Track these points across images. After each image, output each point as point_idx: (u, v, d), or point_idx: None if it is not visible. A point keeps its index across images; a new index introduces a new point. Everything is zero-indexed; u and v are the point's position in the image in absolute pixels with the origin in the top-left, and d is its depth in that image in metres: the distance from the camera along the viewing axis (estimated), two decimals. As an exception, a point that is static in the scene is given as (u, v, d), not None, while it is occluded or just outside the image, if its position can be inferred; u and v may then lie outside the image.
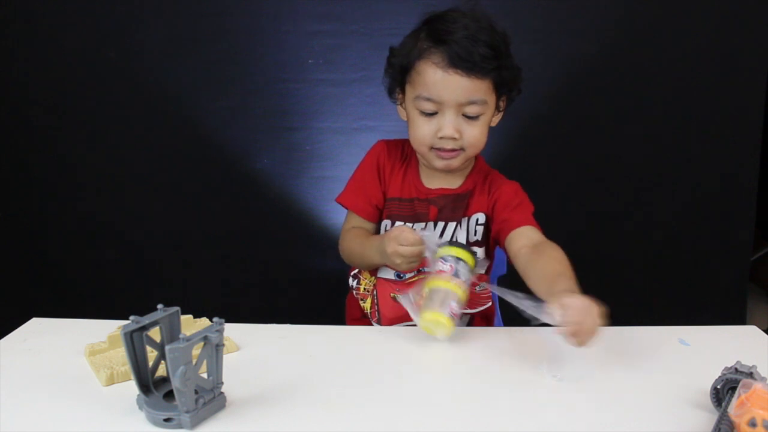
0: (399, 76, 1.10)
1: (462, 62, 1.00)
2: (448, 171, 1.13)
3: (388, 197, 1.17)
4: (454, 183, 1.17)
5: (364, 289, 1.21)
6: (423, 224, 1.15)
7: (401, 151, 1.20)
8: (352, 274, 1.26)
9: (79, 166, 1.99)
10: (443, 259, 0.96)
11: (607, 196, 2.02)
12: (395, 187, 1.17)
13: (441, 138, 1.06)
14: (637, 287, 2.08)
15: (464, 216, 1.15)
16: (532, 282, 0.96)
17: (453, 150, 1.07)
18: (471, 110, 1.04)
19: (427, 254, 0.98)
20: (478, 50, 1.00)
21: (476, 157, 1.18)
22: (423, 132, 1.07)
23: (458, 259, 0.95)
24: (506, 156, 1.93)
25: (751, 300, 2.20)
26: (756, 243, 2.17)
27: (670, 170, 2.01)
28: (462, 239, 1.15)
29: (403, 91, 1.11)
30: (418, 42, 1.06)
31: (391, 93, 1.15)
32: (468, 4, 1.05)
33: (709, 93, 1.96)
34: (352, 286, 1.25)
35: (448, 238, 1.15)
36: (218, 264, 2.05)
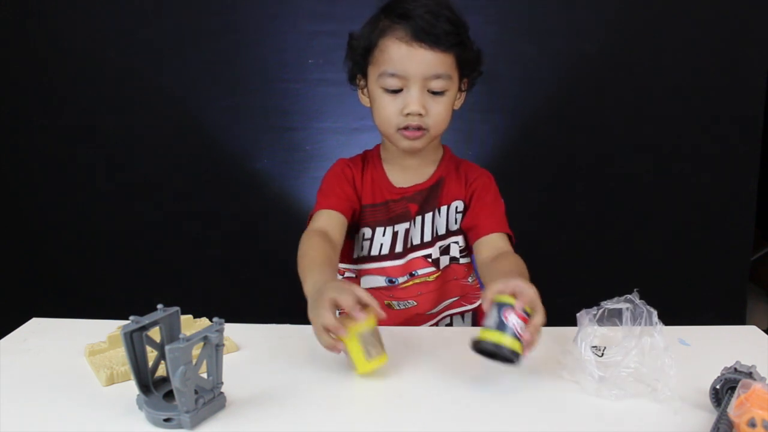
0: (360, 59, 1.08)
1: (426, 35, 1.00)
2: (412, 153, 1.11)
3: (362, 204, 1.14)
4: (424, 176, 1.15)
5: None
6: (407, 223, 1.13)
7: (362, 160, 1.18)
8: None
9: (79, 167, 2.00)
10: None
11: (607, 195, 2.02)
12: (366, 193, 1.14)
13: (407, 115, 1.03)
14: (637, 287, 2.07)
15: (439, 205, 1.14)
16: (487, 281, 0.97)
17: (418, 129, 1.05)
18: (436, 85, 1.02)
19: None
20: (441, 25, 1.00)
21: (444, 148, 1.18)
22: (388, 111, 1.05)
23: (364, 335, 0.84)
24: (506, 156, 1.94)
25: (751, 300, 2.21)
26: (756, 243, 2.17)
27: (670, 170, 2.01)
28: (441, 229, 1.14)
29: (364, 76, 1.09)
30: (380, 22, 1.05)
31: (352, 79, 1.13)
32: None
33: (709, 93, 1.96)
34: None
35: (429, 231, 1.13)
36: (218, 264, 2.05)
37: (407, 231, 1.13)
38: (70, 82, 1.94)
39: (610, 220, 2.04)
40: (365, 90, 1.11)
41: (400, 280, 1.14)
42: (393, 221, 1.13)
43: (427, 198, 1.14)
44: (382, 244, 1.14)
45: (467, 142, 1.91)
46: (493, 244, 1.08)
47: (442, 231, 1.14)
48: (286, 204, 2.00)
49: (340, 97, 1.92)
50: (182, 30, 1.90)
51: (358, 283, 1.16)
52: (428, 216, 1.14)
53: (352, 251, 1.17)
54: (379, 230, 1.14)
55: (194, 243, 2.03)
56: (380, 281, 1.15)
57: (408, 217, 1.13)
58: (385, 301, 1.15)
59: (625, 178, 2.02)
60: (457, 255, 1.16)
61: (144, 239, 2.04)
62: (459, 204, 1.14)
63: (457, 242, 1.16)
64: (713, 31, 1.92)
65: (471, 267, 1.21)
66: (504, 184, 1.20)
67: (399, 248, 1.14)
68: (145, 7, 1.89)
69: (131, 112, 1.96)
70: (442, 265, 1.15)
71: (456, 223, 1.15)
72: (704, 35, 1.92)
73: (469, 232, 1.13)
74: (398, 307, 1.15)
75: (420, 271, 1.14)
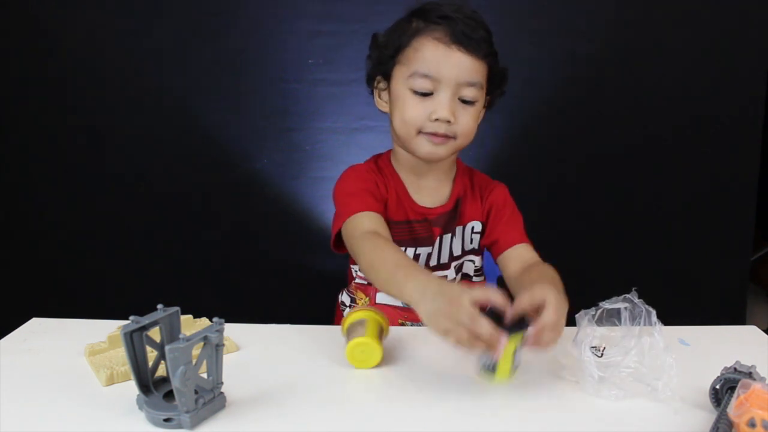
0: (387, 58, 1.02)
1: (465, 38, 0.96)
2: (429, 161, 1.05)
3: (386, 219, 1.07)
4: (443, 196, 1.11)
5: None
6: (429, 248, 1.09)
7: (377, 168, 1.10)
8: (345, 291, 1.20)
9: (79, 166, 2.00)
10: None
11: (607, 196, 2.03)
12: (391, 208, 1.08)
13: (435, 120, 0.98)
14: (637, 287, 2.07)
15: (458, 225, 1.11)
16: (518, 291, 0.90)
17: (445, 136, 1.00)
18: (468, 93, 0.99)
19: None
20: (479, 31, 0.98)
21: (456, 161, 1.14)
22: (414, 113, 0.99)
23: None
24: (506, 156, 1.94)
25: (751, 300, 2.21)
26: (756, 243, 2.17)
27: (670, 170, 2.01)
28: (457, 250, 1.11)
29: (386, 78, 1.05)
30: (412, 23, 1.01)
31: (370, 80, 1.08)
32: (458, 0, 1.02)
33: (709, 93, 1.96)
34: (342, 302, 1.20)
35: (446, 253, 1.10)
36: (218, 264, 2.05)
37: (429, 255, 1.10)
38: (70, 82, 1.94)
39: (609, 220, 2.04)
40: (383, 93, 1.07)
41: None
42: (417, 243, 1.09)
43: (449, 221, 1.11)
44: None
45: (467, 142, 1.91)
46: (520, 257, 1.06)
47: (458, 252, 1.12)
48: (286, 204, 2.00)
49: (340, 97, 1.92)
50: (182, 30, 1.90)
51: (374, 299, 1.13)
52: (446, 237, 1.11)
53: None
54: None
55: (194, 243, 2.03)
56: (395, 300, 1.11)
57: (431, 242, 1.10)
58: (399, 320, 1.12)
59: (624, 177, 2.02)
60: (471, 273, 1.15)
61: (144, 239, 2.04)
62: (476, 224, 1.12)
63: (472, 261, 1.14)
64: (713, 31, 1.92)
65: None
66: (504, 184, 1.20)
67: None
68: (145, 7, 1.89)
69: (131, 112, 1.96)
70: None
71: (471, 243, 1.13)
72: (704, 35, 1.92)
73: (491, 249, 1.11)
74: (411, 326, 1.12)
75: None
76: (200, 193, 2.01)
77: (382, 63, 1.04)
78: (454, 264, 1.12)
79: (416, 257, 1.10)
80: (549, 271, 0.99)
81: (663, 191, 2.02)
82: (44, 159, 1.99)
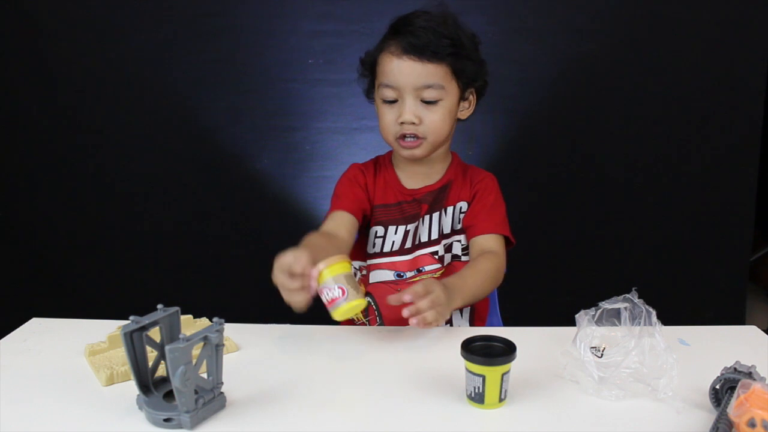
0: (369, 75, 1.16)
1: (413, 48, 1.06)
2: (414, 160, 1.16)
3: (374, 204, 1.20)
4: (433, 179, 1.20)
5: None
6: (415, 223, 1.18)
7: (374, 164, 1.24)
8: None
9: (79, 166, 2.00)
10: (327, 287, 0.87)
11: (607, 195, 2.02)
12: (379, 195, 1.20)
13: (402, 123, 1.09)
14: (637, 287, 2.07)
15: (446, 206, 1.19)
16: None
17: (415, 138, 1.10)
18: (429, 95, 1.08)
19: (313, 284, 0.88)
20: (429, 37, 1.06)
21: (452, 155, 1.23)
22: (387, 120, 1.11)
23: (338, 277, 0.87)
24: (505, 156, 1.94)
25: (750, 300, 2.21)
26: (756, 243, 2.17)
27: (669, 170, 2.01)
28: (447, 228, 1.19)
29: (374, 89, 1.16)
30: (383, 41, 1.12)
31: (368, 94, 1.20)
32: (438, 6, 1.10)
33: (709, 93, 1.96)
34: None
35: (436, 229, 1.18)
36: (218, 264, 2.05)
37: (416, 229, 1.18)
38: (70, 82, 1.94)
39: (609, 220, 2.04)
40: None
41: (408, 274, 1.18)
42: (407, 221, 1.18)
43: (436, 198, 1.19)
44: (393, 241, 1.19)
45: (467, 142, 1.91)
46: (482, 246, 1.14)
47: (447, 230, 1.19)
48: (286, 204, 2.00)
49: (340, 97, 1.92)
50: (182, 30, 1.90)
51: (368, 278, 1.21)
52: (435, 215, 1.19)
53: (364, 249, 1.22)
54: (392, 228, 1.19)
55: (194, 243, 2.03)
56: (389, 275, 1.19)
57: (419, 218, 1.18)
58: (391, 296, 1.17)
59: (624, 177, 2.02)
60: (459, 253, 1.20)
61: (144, 239, 2.04)
62: (463, 204, 1.19)
63: (459, 240, 1.20)
64: (713, 31, 1.92)
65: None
66: (503, 184, 1.22)
67: (408, 245, 1.19)
68: (145, 7, 1.89)
69: (131, 112, 1.96)
70: (446, 263, 1.19)
71: (459, 222, 1.19)
72: (704, 35, 1.92)
73: (467, 231, 1.18)
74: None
75: (426, 267, 1.18)
76: (200, 193, 2.01)
77: (367, 78, 1.18)
78: (444, 242, 1.19)
79: (406, 233, 1.18)
80: (479, 265, 1.08)
81: (663, 191, 2.02)
82: (44, 159, 1.99)
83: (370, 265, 1.21)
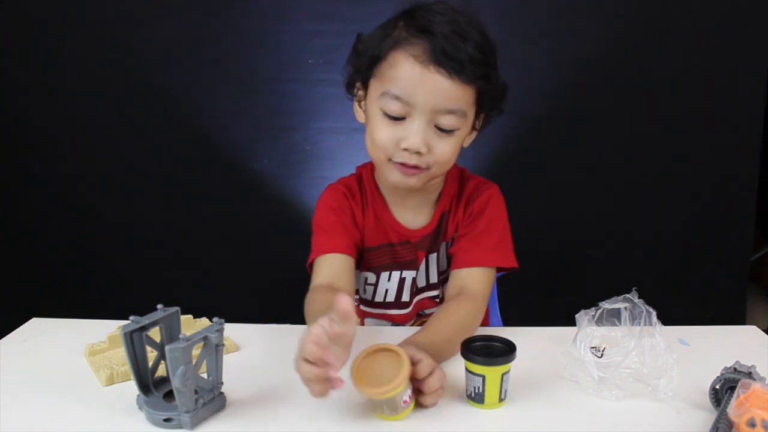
0: (365, 67, 0.91)
1: (447, 59, 0.82)
2: (404, 188, 0.94)
3: (364, 247, 1.01)
4: (427, 215, 1.01)
5: None
6: (414, 271, 1.02)
7: (358, 185, 1.02)
8: None
9: (79, 166, 1.99)
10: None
11: (607, 196, 2.02)
12: (369, 233, 1.00)
13: (404, 150, 0.87)
14: (637, 287, 2.07)
15: (443, 241, 1.03)
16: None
17: (416, 167, 0.88)
18: (446, 122, 0.86)
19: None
20: (467, 49, 0.83)
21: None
22: (383, 137, 0.88)
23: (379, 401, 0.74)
24: (505, 156, 1.94)
25: (751, 300, 2.20)
26: (756, 243, 2.17)
27: (670, 170, 2.01)
28: (444, 264, 1.04)
29: (365, 87, 0.93)
30: (395, 30, 0.87)
31: (349, 87, 0.97)
32: (460, 2, 0.88)
33: (709, 93, 1.96)
34: None
35: (434, 271, 1.04)
36: (218, 264, 2.05)
37: (414, 278, 1.04)
38: (70, 82, 1.94)
39: (609, 221, 2.04)
40: (362, 103, 0.96)
41: (408, 324, 1.08)
42: (402, 266, 1.02)
43: (433, 241, 1.03)
44: (387, 290, 1.04)
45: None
46: (460, 283, 0.96)
47: (444, 267, 1.05)
48: (286, 204, 2.00)
49: (339, 97, 1.89)
50: (182, 30, 1.90)
51: (362, 322, 1.09)
52: (433, 257, 1.03)
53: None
54: (384, 275, 1.03)
55: (194, 243, 2.03)
56: (385, 323, 1.08)
57: (416, 265, 1.03)
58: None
59: (624, 178, 2.01)
60: None
61: (144, 239, 2.04)
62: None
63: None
64: (713, 31, 1.92)
65: None
66: (503, 185, 1.18)
67: (406, 297, 1.05)
68: (145, 7, 1.89)
69: (131, 112, 1.95)
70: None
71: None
72: (704, 35, 1.92)
73: (450, 260, 1.02)
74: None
75: (427, 311, 1.08)
76: (200, 193, 2.01)
77: (359, 71, 0.94)
78: (444, 284, 1.06)
79: (402, 281, 1.03)
80: (450, 315, 0.89)
81: (663, 191, 2.02)
82: (44, 159, 1.99)
83: (363, 312, 1.08)
